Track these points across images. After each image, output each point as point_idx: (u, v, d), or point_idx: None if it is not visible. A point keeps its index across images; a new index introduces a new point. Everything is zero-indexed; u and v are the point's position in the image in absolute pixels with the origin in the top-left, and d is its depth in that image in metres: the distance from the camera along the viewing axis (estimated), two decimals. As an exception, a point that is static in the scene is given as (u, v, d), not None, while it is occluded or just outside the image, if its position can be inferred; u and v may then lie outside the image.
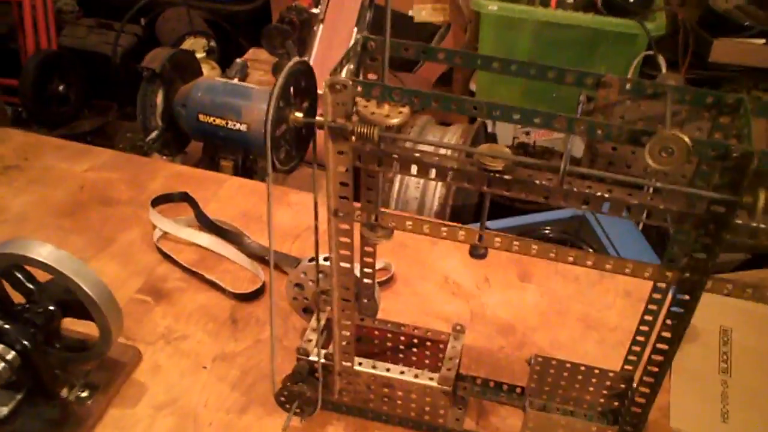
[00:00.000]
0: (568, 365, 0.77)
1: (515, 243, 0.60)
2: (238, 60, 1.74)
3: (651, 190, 0.54)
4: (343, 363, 0.75)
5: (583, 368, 0.77)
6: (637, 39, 1.63)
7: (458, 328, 0.79)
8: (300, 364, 0.76)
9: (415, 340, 0.81)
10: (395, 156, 0.58)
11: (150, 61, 1.31)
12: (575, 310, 0.93)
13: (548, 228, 1.49)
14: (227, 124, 1.28)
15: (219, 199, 1.10)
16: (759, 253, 1.68)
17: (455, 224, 0.61)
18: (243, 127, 1.29)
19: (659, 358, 0.64)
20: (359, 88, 0.55)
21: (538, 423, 0.74)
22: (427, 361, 0.82)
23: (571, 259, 0.60)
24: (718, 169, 0.51)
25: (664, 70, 1.63)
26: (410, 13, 1.89)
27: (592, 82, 0.58)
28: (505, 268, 0.99)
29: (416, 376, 0.74)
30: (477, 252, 0.62)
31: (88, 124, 2.16)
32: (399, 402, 0.77)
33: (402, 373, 0.75)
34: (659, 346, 0.62)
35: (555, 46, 1.72)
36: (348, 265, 0.65)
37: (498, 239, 0.60)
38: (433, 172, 0.58)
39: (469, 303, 0.94)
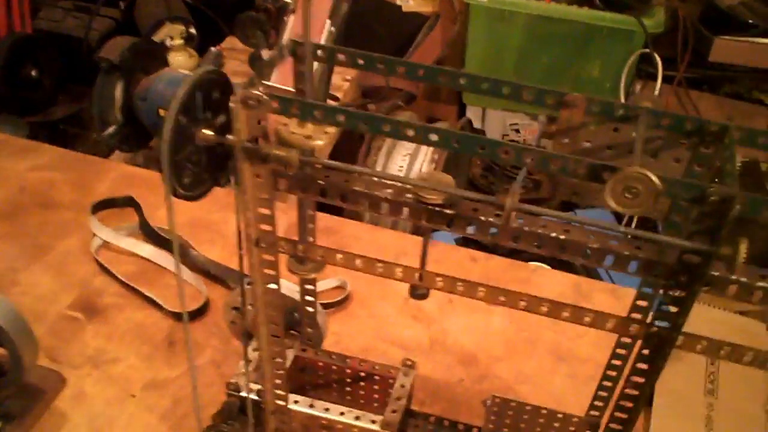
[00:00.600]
0: (528, 408, 0.70)
1: (459, 284, 0.52)
2: (213, 49, 1.65)
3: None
4: (276, 402, 0.67)
5: (544, 411, 0.69)
6: (634, 36, 1.54)
7: (408, 363, 0.71)
8: (230, 401, 0.69)
9: (363, 374, 0.73)
10: (320, 183, 0.49)
11: (108, 51, 1.22)
12: (545, 338, 0.85)
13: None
14: (188, 120, 1.20)
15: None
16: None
17: (391, 262, 0.53)
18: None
19: (628, 404, 0.56)
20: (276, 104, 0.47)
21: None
22: (376, 396, 0.75)
23: (523, 304, 0.52)
24: (694, 213, 0.42)
25: (660, 69, 1.54)
26: (398, 1, 1.80)
27: (553, 102, 0.49)
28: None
29: (357, 418, 0.67)
30: (416, 292, 0.54)
31: (60, 110, 2.07)
32: (340, 445, 0.69)
33: (342, 414, 0.67)
34: (624, 400, 0.54)
35: (547, 41, 1.63)
36: (275, 297, 0.57)
37: (440, 279, 0.52)
38: (365, 203, 0.49)
39: (429, 328, 0.86)
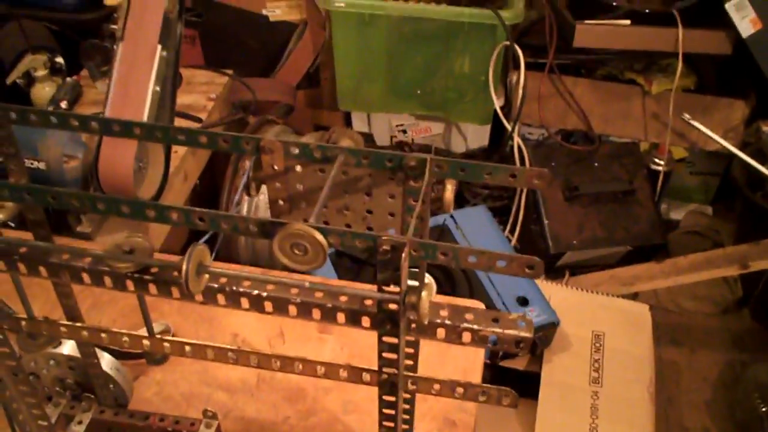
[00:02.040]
0: (338, 446, 0.68)
1: (187, 347, 0.49)
2: (69, 79, 1.58)
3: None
4: (63, 474, 0.63)
5: (353, 449, 0.67)
6: (497, 29, 1.53)
7: (210, 414, 0.68)
8: (14, 480, 0.65)
9: (170, 429, 0.70)
10: (15, 258, 0.46)
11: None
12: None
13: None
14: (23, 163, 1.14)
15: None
16: (640, 246, 1.62)
17: (119, 330, 0.50)
18: (42, 165, 1.15)
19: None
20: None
21: None
22: (189, 450, 0.71)
23: (299, 368, 0.49)
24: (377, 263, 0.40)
25: (522, 60, 1.54)
26: (264, 12, 1.76)
27: (251, 147, 0.47)
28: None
29: (151, 482, 0.63)
30: (152, 359, 0.51)
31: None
32: None
33: (135, 478, 0.64)
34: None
35: (415, 41, 1.61)
36: (12, 363, 0.54)
37: (167, 344, 0.49)
38: (67, 275, 0.46)
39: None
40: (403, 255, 0.38)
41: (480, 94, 1.64)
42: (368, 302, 0.43)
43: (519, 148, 1.63)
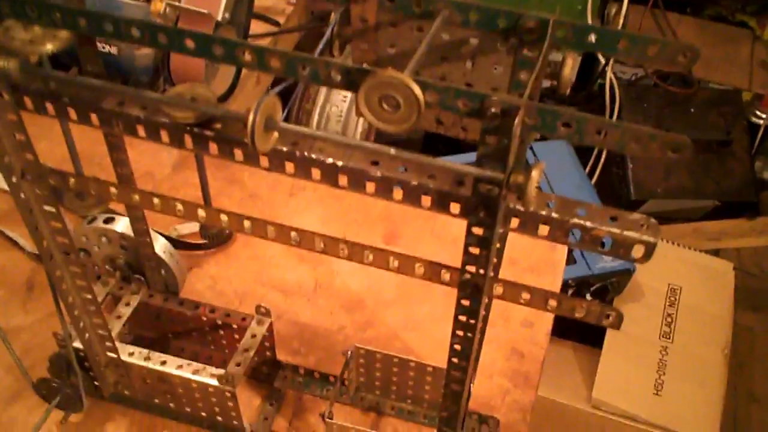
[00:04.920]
0: (396, 360, 0.62)
1: (246, 222, 0.44)
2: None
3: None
4: (108, 354, 0.60)
5: (413, 364, 0.62)
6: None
7: (263, 311, 0.63)
8: (57, 354, 0.62)
9: (219, 322, 0.66)
10: (65, 100, 0.41)
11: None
12: (444, 281, 0.77)
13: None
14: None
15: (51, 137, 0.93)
16: (729, 202, 1.50)
17: (170, 196, 0.44)
18: (113, 50, 1.11)
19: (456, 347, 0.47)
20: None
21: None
22: (238, 346, 0.67)
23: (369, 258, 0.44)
24: (481, 131, 0.33)
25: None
26: None
27: (340, -6, 0.40)
28: (371, 226, 0.82)
29: (196, 372, 0.59)
30: (210, 241, 0.46)
31: None
32: (184, 400, 0.62)
33: (180, 367, 0.60)
34: (456, 345, 0.46)
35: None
36: (65, 240, 0.50)
37: (224, 217, 0.44)
38: (119, 125, 0.41)
39: (315, 270, 0.78)
40: (516, 122, 0.31)
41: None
42: (461, 184, 0.36)
43: (611, 85, 1.51)
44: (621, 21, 1.47)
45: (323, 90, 1.40)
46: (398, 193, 0.38)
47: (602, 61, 1.50)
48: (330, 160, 0.37)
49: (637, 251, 0.34)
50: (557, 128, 0.32)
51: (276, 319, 0.72)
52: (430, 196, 0.37)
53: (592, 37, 0.36)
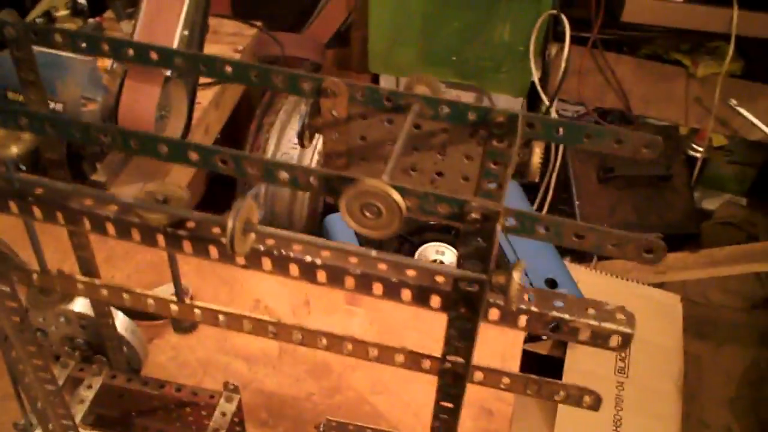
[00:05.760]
0: (369, 431, 0.62)
1: (221, 316, 0.43)
2: (91, 20, 1.51)
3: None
4: (68, 442, 0.58)
5: (385, 434, 0.62)
6: (542, -4, 1.45)
7: (231, 387, 0.62)
8: (16, 444, 0.59)
9: (186, 400, 0.65)
10: (30, 200, 0.39)
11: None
12: (410, 340, 0.77)
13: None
14: (39, 104, 1.08)
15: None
16: (672, 234, 1.55)
17: (144, 292, 0.43)
18: (59, 106, 1.09)
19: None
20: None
21: None
22: (206, 422, 0.66)
23: (323, 343, 0.44)
24: (461, 233, 0.34)
25: (568, 31, 1.46)
26: (298, -35, 1.67)
27: (311, 88, 0.40)
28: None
29: (164, 456, 0.58)
30: (179, 326, 0.45)
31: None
32: (151, 484, 0.61)
33: (147, 451, 0.58)
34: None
35: (454, 4, 1.53)
36: (19, 319, 0.48)
37: (198, 311, 0.43)
38: (86, 224, 0.40)
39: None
40: (497, 226, 0.31)
41: (518, 65, 1.56)
42: (439, 279, 0.37)
43: (555, 124, 1.55)
44: (563, 62, 1.51)
45: (276, 127, 1.40)
46: (378, 288, 0.38)
47: (546, 101, 1.54)
48: (309, 258, 0.37)
49: (614, 341, 0.35)
50: (536, 231, 0.32)
51: (242, 389, 0.71)
52: (410, 290, 0.37)
53: (561, 130, 0.37)
